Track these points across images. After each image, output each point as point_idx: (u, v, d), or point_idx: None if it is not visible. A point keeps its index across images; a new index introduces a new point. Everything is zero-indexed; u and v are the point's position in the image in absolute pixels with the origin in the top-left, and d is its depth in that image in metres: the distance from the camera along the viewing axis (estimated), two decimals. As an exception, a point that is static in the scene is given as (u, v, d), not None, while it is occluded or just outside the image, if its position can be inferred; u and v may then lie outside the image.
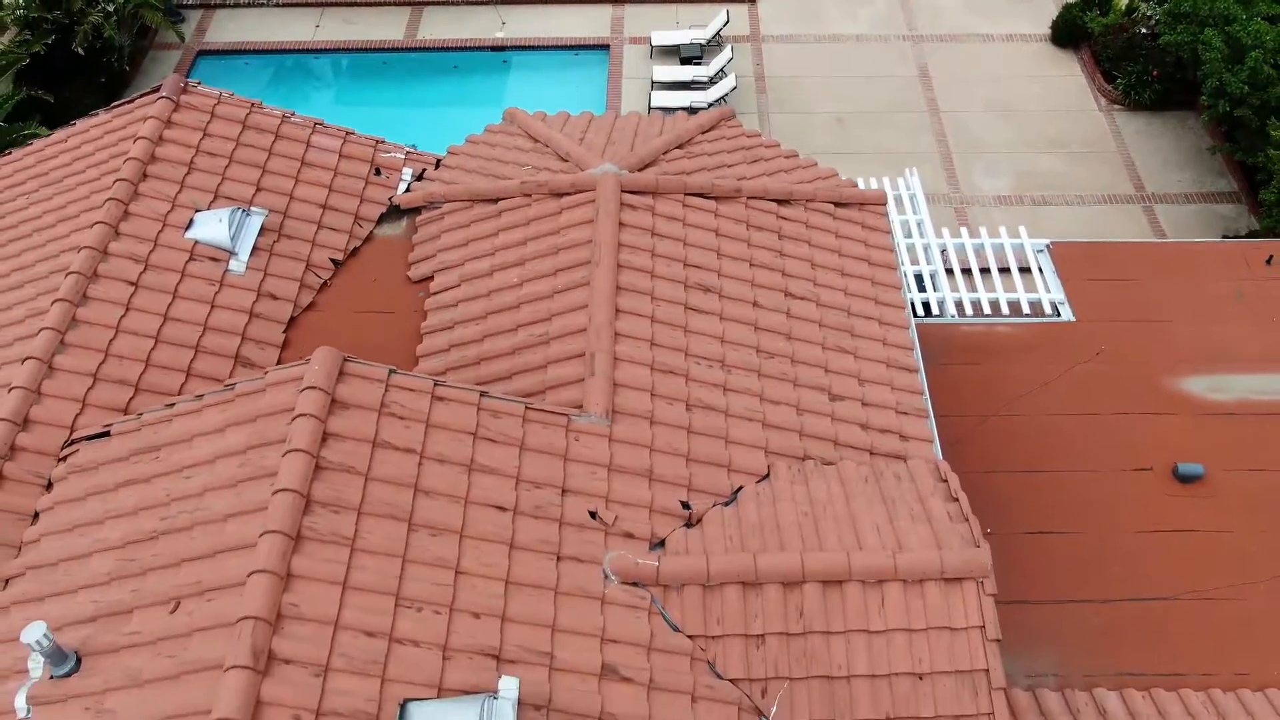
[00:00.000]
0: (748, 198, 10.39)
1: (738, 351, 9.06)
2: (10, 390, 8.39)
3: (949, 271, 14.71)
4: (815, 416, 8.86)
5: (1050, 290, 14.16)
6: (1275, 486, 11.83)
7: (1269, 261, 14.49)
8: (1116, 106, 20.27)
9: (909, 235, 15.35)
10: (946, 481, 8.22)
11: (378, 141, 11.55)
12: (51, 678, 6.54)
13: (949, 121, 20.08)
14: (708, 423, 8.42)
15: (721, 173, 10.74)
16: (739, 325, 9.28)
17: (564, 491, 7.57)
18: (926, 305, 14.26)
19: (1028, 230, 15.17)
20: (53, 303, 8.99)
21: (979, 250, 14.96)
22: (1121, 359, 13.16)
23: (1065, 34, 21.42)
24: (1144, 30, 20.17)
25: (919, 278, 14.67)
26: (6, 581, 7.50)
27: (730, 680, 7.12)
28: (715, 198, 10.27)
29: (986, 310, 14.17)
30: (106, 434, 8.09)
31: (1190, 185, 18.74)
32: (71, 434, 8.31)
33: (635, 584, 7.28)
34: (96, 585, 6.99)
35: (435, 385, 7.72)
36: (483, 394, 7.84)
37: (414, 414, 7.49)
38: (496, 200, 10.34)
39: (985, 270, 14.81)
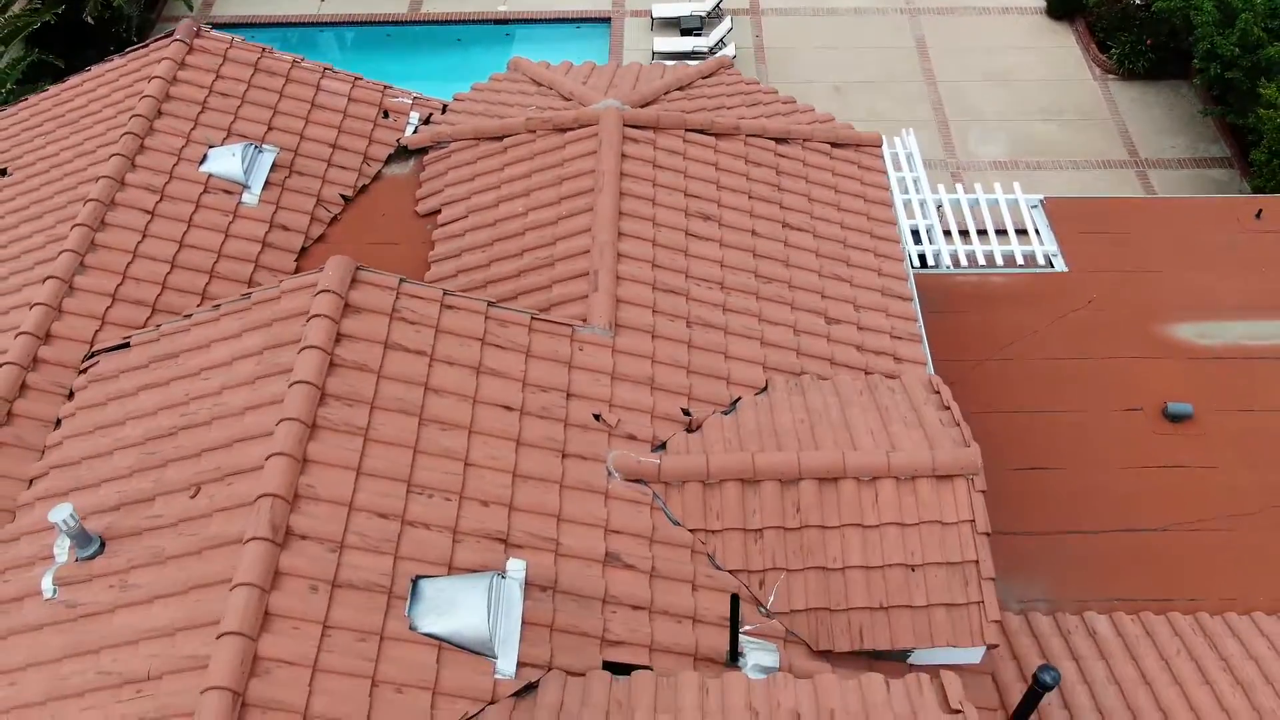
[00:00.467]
0: (746, 135, 10.66)
1: (736, 275, 9.33)
2: (32, 307, 8.66)
3: (946, 233, 14.97)
4: (812, 337, 9.13)
5: (1043, 243, 14.41)
6: (1263, 426, 12.10)
7: (1259, 215, 14.75)
8: (1111, 76, 20.54)
9: (905, 191, 15.61)
10: (939, 393, 8.48)
11: (385, 87, 11.84)
12: (77, 560, 6.80)
13: (945, 91, 20.36)
14: (707, 339, 8.70)
15: (721, 113, 11.01)
16: (738, 251, 9.55)
17: (569, 395, 7.84)
18: (923, 258, 14.52)
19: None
20: (72, 227, 9.26)
21: (974, 206, 15.24)
22: (1113, 307, 13.44)
23: (1060, 6, 21.71)
24: (1138, 1, 20.44)
25: (915, 232, 14.93)
26: (31, 481, 7.76)
27: (729, 571, 7.39)
28: (715, 134, 10.54)
29: (981, 262, 14.45)
30: (126, 345, 8.36)
31: (1183, 151, 19.01)
32: (91, 348, 8.58)
33: (638, 481, 7.55)
34: (119, 478, 7.26)
35: (444, 294, 8.00)
36: (490, 304, 8.11)
37: (424, 319, 7.76)
38: (502, 138, 10.61)
39: (982, 232, 15.07)
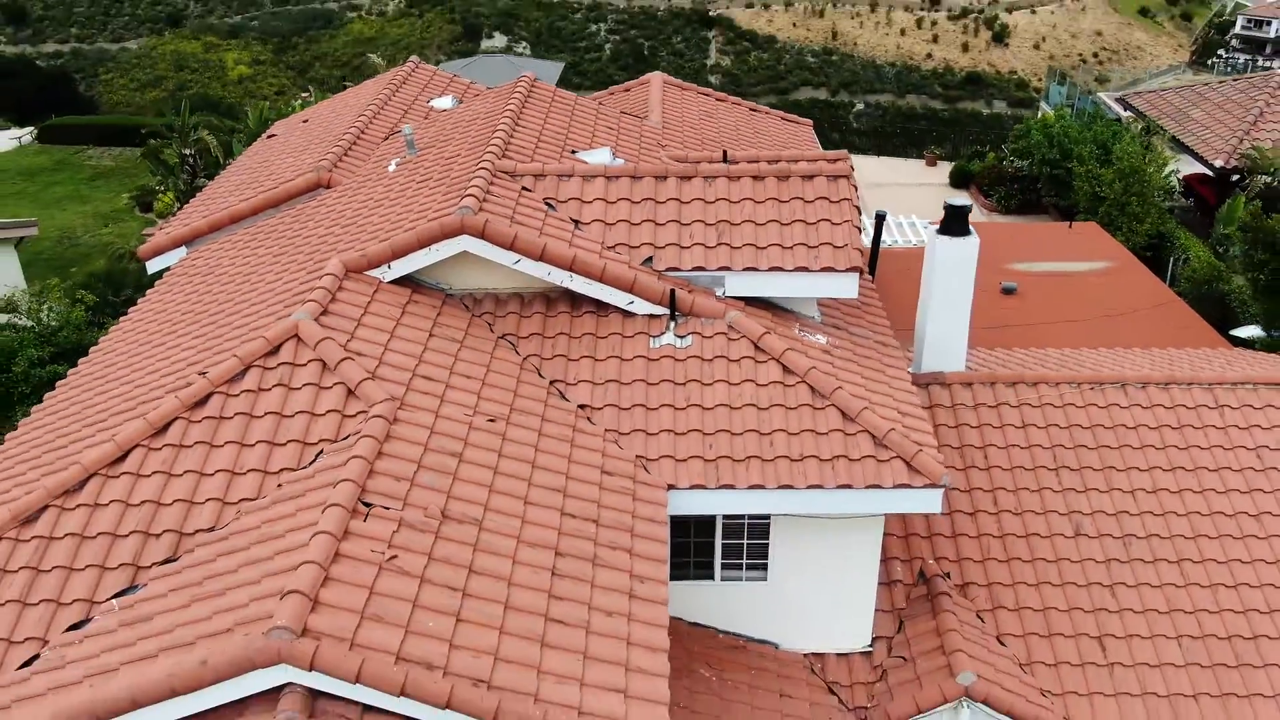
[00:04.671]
0: (731, 101, 18.83)
1: (724, 135, 17.04)
2: (335, 145, 16.24)
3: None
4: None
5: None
6: (1060, 291, 19.32)
7: (1070, 226, 22.78)
8: (995, 212, 29.16)
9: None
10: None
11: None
12: (407, 157, 13.96)
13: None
14: (718, 136, 16.24)
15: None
16: (728, 129, 17.31)
17: (641, 135, 15.25)
18: (853, 246, 22.10)
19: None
20: (352, 125, 17.04)
21: (888, 227, 23.05)
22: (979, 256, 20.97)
23: (958, 178, 30.94)
24: (1009, 169, 29.59)
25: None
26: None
27: (725, 194, 14.39)
28: (715, 98, 18.71)
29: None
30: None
31: (1045, 244, 27.04)
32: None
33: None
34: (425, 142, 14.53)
35: (576, 96, 15.64)
36: (600, 102, 15.74)
37: (566, 98, 15.39)
38: (599, 99, 18.70)
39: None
